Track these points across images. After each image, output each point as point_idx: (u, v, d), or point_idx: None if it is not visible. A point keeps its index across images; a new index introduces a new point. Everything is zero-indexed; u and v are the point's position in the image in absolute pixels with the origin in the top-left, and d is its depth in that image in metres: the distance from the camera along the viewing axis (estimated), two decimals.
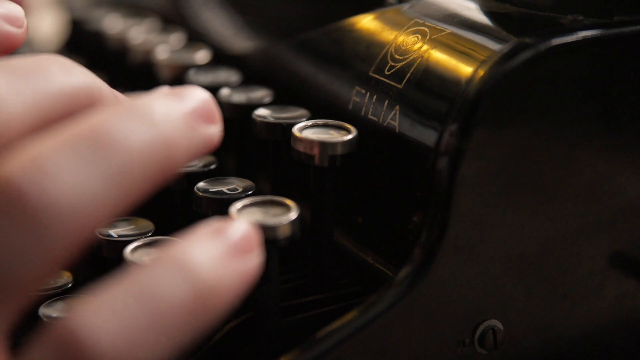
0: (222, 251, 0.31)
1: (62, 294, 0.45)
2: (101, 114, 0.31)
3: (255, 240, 0.33)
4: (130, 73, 0.68)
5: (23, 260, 0.28)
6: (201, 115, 0.33)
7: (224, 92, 0.54)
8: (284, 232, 0.39)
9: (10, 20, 0.39)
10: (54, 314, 0.43)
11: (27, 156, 0.29)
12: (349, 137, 0.44)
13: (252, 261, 0.32)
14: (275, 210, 0.40)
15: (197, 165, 0.49)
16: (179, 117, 0.32)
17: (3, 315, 0.29)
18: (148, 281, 0.29)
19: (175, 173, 0.32)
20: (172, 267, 0.30)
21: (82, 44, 0.78)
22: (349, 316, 0.41)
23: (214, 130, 0.34)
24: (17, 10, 0.39)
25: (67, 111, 0.33)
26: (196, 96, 0.33)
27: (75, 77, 0.34)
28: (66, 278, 0.46)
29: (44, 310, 0.43)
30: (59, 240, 0.29)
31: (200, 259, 0.30)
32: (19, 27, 0.39)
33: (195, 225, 0.32)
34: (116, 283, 0.30)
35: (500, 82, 0.41)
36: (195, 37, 0.66)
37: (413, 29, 0.47)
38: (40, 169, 0.29)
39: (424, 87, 0.44)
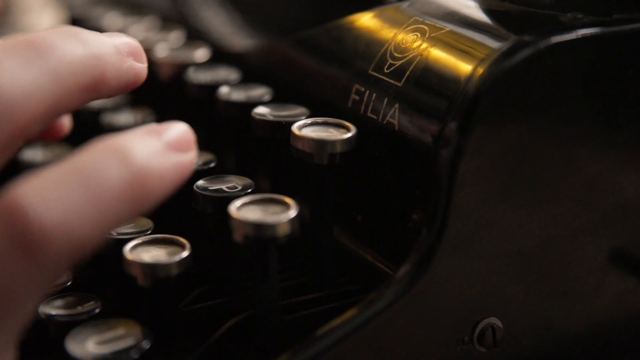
0: (159, 145, 0.35)
1: (61, 292, 0.45)
2: (41, 31, 0.36)
3: (192, 139, 0.36)
4: None
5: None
6: (129, 51, 0.39)
7: (224, 90, 0.54)
8: (284, 230, 0.39)
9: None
10: (53, 312, 0.43)
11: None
12: (348, 135, 0.44)
13: (188, 157, 0.36)
14: (275, 208, 0.40)
15: (196, 163, 0.49)
16: (108, 43, 0.38)
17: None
18: (87, 163, 0.32)
19: (104, 92, 0.38)
20: (110, 152, 0.33)
21: None
22: (348, 314, 0.41)
23: (142, 67, 0.40)
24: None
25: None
26: (123, 37, 0.40)
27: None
28: (65, 276, 0.46)
29: (43, 309, 0.43)
30: (5, 128, 0.33)
31: (138, 148, 0.34)
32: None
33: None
34: (56, 164, 0.32)
35: (500, 80, 0.41)
36: (195, 35, 0.66)
37: (412, 27, 0.47)
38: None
39: (424, 85, 0.44)
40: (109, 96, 0.39)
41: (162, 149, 0.34)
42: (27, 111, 0.33)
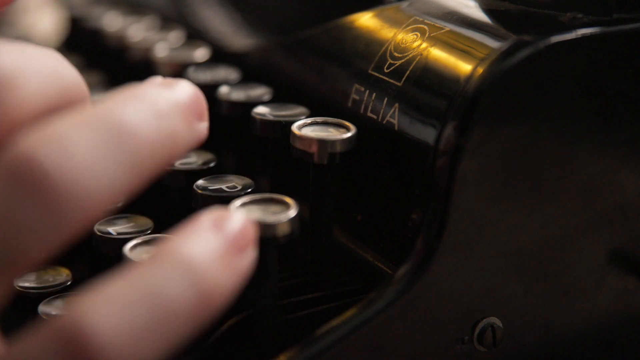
0: (222, 247, 0.32)
1: (60, 291, 0.45)
2: (113, 100, 0.32)
3: (252, 234, 0.33)
4: (129, 71, 0.68)
5: (33, 235, 0.29)
6: (196, 112, 0.34)
7: (223, 89, 0.54)
8: (283, 230, 0.39)
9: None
10: (53, 312, 0.43)
11: (46, 133, 0.29)
12: (348, 134, 0.44)
13: (249, 257, 0.33)
14: (275, 208, 0.40)
15: (196, 162, 0.49)
16: (181, 111, 0.33)
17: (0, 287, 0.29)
18: (151, 278, 0.30)
19: (172, 165, 0.33)
20: (175, 264, 0.30)
21: (81, 41, 0.78)
22: (348, 314, 0.41)
23: (204, 127, 0.35)
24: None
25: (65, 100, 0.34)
26: (190, 92, 0.35)
27: (71, 71, 0.35)
28: (65, 276, 0.47)
29: (43, 308, 0.43)
30: (71, 217, 0.29)
31: (202, 256, 0.31)
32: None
33: (193, 216, 0.33)
34: (119, 279, 0.30)
35: (499, 79, 0.41)
36: (195, 35, 0.66)
37: (412, 26, 0.47)
38: (60, 145, 0.29)
39: (423, 84, 0.44)
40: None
41: (226, 252, 0.31)
42: (98, 199, 0.30)
